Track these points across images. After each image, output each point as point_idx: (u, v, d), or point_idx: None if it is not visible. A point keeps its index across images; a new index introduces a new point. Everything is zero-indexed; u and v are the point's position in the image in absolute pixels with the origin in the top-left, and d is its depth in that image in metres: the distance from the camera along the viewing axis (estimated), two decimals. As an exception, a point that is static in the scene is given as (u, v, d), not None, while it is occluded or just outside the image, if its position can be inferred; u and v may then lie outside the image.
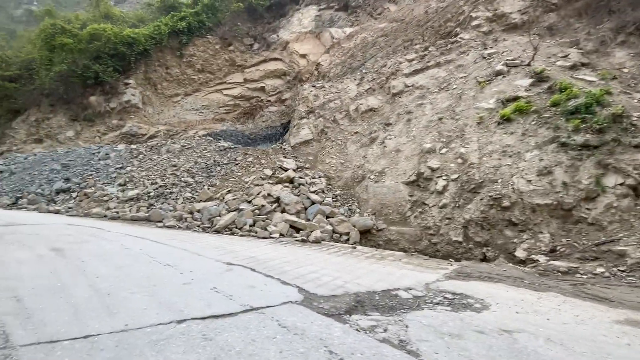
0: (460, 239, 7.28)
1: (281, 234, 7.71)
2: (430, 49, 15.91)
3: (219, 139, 17.12)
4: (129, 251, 5.03)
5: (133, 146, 17.09)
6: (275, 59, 28.44)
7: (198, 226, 8.41)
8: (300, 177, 11.09)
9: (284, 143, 22.21)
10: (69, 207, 12.26)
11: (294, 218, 8.35)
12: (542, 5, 14.49)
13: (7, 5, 53.41)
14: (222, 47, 28.65)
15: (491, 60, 12.64)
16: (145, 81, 26.09)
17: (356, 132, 13.49)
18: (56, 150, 18.36)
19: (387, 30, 21.85)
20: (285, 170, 12.16)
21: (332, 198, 9.87)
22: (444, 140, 9.92)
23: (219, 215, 8.61)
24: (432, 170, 8.93)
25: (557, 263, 5.29)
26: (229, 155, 14.68)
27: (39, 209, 11.99)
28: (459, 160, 8.77)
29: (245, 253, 5.26)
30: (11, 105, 22.06)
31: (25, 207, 12.59)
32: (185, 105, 28.27)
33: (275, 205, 9.36)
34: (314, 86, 17.44)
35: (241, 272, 4.10)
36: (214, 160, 14.15)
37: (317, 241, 6.95)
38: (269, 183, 11.27)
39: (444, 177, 8.50)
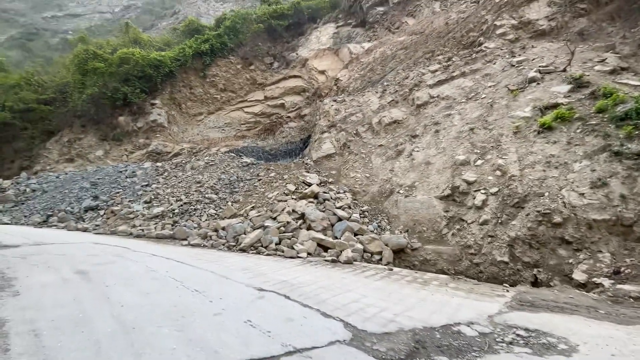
0: (506, 259, 6.60)
1: (309, 253, 7.27)
2: (454, 59, 15.48)
3: (241, 155, 17.06)
4: (155, 274, 4.72)
5: (159, 164, 17.30)
6: (295, 76, 28.73)
7: (223, 244, 8.09)
8: (325, 192, 10.69)
9: (305, 157, 22.01)
10: (96, 225, 12.32)
11: (321, 236, 7.90)
12: (570, 10, 13.85)
13: (44, 34, 57.23)
14: (244, 67, 29.28)
15: (521, 67, 12.05)
16: (171, 101, 26.82)
17: (380, 145, 13.04)
18: (86, 169, 18.86)
19: (406, 43, 21.61)
20: (309, 185, 11.81)
21: (360, 214, 9.38)
22: (478, 151, 9.32)
23: (244, 233, 8.28)
24: (469, 183, 8.32)
25: (626, 287, 4.57)
26: (251, 171, 14.52)
27: (67, 227, 12.10)
28: (498, 173, 8.13)
29: (275, 276, 4.85)
30: (46, 127, 23.06)
31: (55, 225, 12.75)
32: (208, 124, 28.81)
33: (300, 221, 8.96)
34: (334, 100, 17.23)
35: (275, 300, 3.68)
36: (237, 176, 14.01)
37: (348, 262, 6.45)
38: (292, 198, 10.93)
39: (483, 191, 7.88)
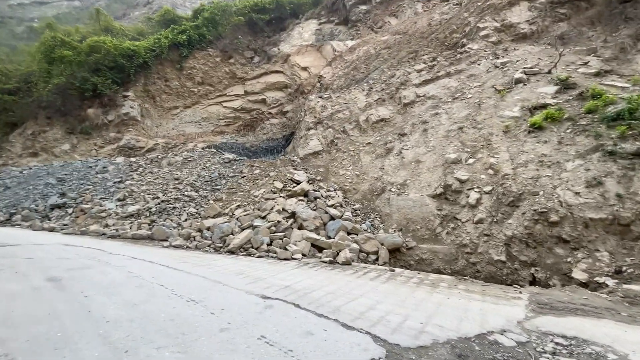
0: (503, 258, 6.53)
1: (303, 254, 6.88)
2: (438, 59, 15.56)
3: (222, 151, 16.31)
4: (140, 281, 4.16)
5: (132, 159, 16.19)
6: (277, 72, 28.01)
7: (209, 246, 7.52)
8: (314, 190, 10.32)
9: (287, 155, 21.52)
10: (64, 225, 11.26)
11: (314, 235, 7.53)
12: (550, 15, 14.23)
13: (9, 22, 52.95)
14: (223, 60, 28.20)
15: (506, 69, 12.23)
16: (144, 93, 25.36)
17: (368, 143, 12.84)
18: (52, 163, 17.36)
19: (390, 43, 21.58)
20: (297, 182, 11.39)
21: (352, 212, 9.09)
22: (469, 150, 9.29)
23: (232, 234, 7.75)
24: (461, 182, 8.24)
25: (634, 287, 4.56)
26: (234, 167, 13.88)
27: (32, 226, 10.97)
28: (490, 171, 8.10)
29: (274, 281, 4.43)
30: (8, 119, 21.08)
31: (19, 224, 11.54)
32: (184, 118, 27.52)
33: (291, 221, 8.54)
34: (320, 97, 16.88)
35: (284, 309, 3.28)
36: (219, 173, 13.33)
37: (347, 263, 6.13)
38: (281, 196, 10.47)
39: (476, 190, 7.81)
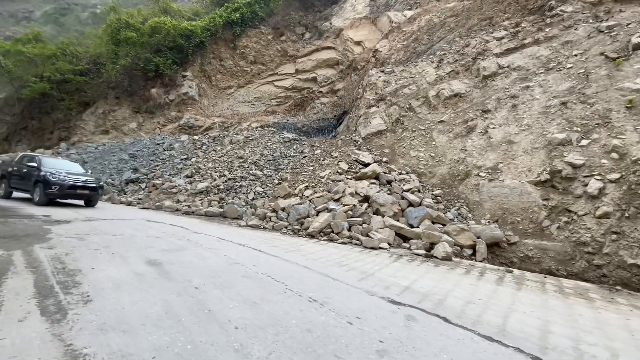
0: (639, 262, 5.29)
1: (389, 244, 6.18)
2: (522, 25, 13.42)
3: (282, 131, 15.89)
4: (243, 269, 3.73)
5: (195, 137, 16.40)
6: (328, 48, 26.75)
7: (286, 227, 7.10)
8: (385, 173, 9.46)
9: (338, 135, 20.68)
10: (139, 199, 11.64)
11: (398, 223, 6.76)
12: None
13: (75, 9, 56.68)
14: (275, 38, 27.50)
15: (615, 33, 10.10)
16: (201, 73, 25.66)
17: (441, 121, 11.55)
18: (123, 140, 18.25)
19: (457, 10, 19.28)
20: (363, 164, 10.60)
21: (432, 199, 8.13)
22: (579, 129, 7.77)
23: (308, 216, 7.25)
24: (574, 167, 6.89)
25: None
26: (294, 147, 13.39)
27: (111, 200, 11.48)
28: (614, 155, 6.64)
29: (385, 277, 3.77)
30: (81, 98, 22.50)
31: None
32: (237, 98, 27.62)
33: (365, 205, 7.82)
34: (382, 71, 15.59)
35: (433, 325, 2.59)
36: (280, 153, 12.92)
37: (447, 258, 5.31)
38: (348, 178, 9.78)
39: (597, 177, 6.45)
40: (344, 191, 8.33)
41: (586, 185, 6.49)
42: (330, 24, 27.20)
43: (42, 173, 8.66)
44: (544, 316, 2.90)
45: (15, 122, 23.98)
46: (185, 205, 10.04)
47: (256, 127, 21.34)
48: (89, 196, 9.49)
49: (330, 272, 3.84)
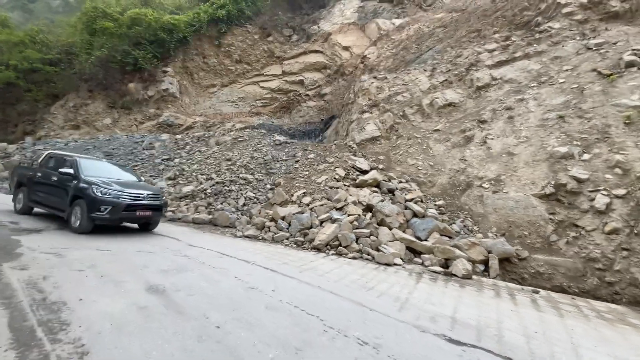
0: (655, 278, 5.22)
1: (401, 259, 5.80)
2: (512, 39, 13.66)
3: (272, 133, 15.26)
4: (264, 297, 3.17)
5: (178, 136, 15.40)
6: (316, 51, 26.37)
7: (287, 239, 6.55)
8: (385, 181, 9.14)
9: (324, 139, 20.30)
10: (116, 202, 10.60)
11: (408, 236, 6.41)
12: None
13: (46, -5, 52.92)
14: (261, 38, 26.77)
15: (604, 50, 10.40)
16: (183, 70, 24.46)
17: (436, 130, 11.44)
18: (97, 137, 16.83)
19: (446, 21, 19.57)
20: (361, 171, 10.24)
21: (436, 209, 7.88)
22: (579, 143, 7.81)
23: (311, 227, 6.74)
24: (579, 181, 6.85)
25: None
26: (286, 150, 12.83)
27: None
28: (618, 171, 6.66)
29: (422, 304, 3.36)
30: (50, 90, 20.67)
31: (69, 200, 10.97)
32: (221, 97, 26.57)
33: (369, 215, 7.44)
34: (374, 77, 15.40)
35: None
36: (272, 156, 12.31)
37: (468, 276, 5.00)
38: (345, 185, 9.37)
39: (604, 192, 6.42)
40: (345, 199, 7.89)
41: (592, 200, 6.44)
42: (319, 27, 26.87)
43: (84, 185, 5.78)
44: (615, 353, 2.60)
45: (-27, 113, 21.65)
46: (170, 211, 9.20)
47: (240, 128, 20.54)
48: (151, 218, 6.38)
49: (360, 298, 3.37)
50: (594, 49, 10.75)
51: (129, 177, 7.15)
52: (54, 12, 47.45)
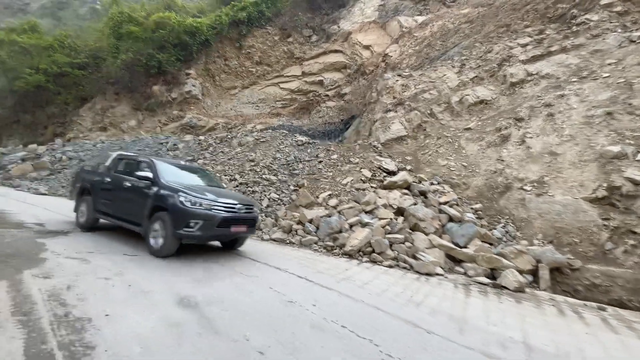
0: None
1: (441, 267, 5.31)
2: (547, 32, 12.78)
3: (294, 134, 14.97)
4: (305, 314, 2.80)
5: (201, 137, 15.37)
6: (336, 51, 25.98)
7: (316, 243, 6.18)
8: (416, 182, 8.62)
9: (346, 140, 19.83)
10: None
11: (447, 243, 5.90)
12: None
13: (73, 3, 55.08)
14: (281, 39, 26.65)
15: (652, 42, 9.49)
16: (205, 72, 24.64)
17: (468, 128, 10.80)
18: (123, 138, 17.08)
19: (472, 17, 18.73)
20: (389, 172, 9.76)
21: (473, 213, 7.31)
22: (632, 142, 7.05)
23: (341, 231, 6.34)
24: (636, 184, 6.14)
25: None
26: (309, 151, 12.48)
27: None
28: (685, 171, 5.92)
29: (484, 325, 2.91)
30: (79, 93, 21.25)
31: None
32: (242, 99, 26.63)
33: (401, 219, 6.96)
34: (399, 75, 14.84)
35: None
36: (294, 157, 12.00)
37: (520, 289, 4.46)
38: (372, 187, 8.92)
39: (668, 195, 5.70)
40: (375, 202, 7.45)
41: (655, 205, 5.73)
42: (338, 27, 26.46)
43: (167, 192, 4.57)
44: None
45: (7, 116, 22.55)
46: (194, 212, 9.04)
47: (261, 129, 20.41)
48: (243, 234, 5.08)
49: (411, 316, 2.95)
50: (637, 41, 9.87)
51: (211, 182, 5.87)
52: (81, 19, 49.32)
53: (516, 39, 13.40)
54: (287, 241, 6.37)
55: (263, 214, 8.72)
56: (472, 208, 7.57)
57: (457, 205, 7.56)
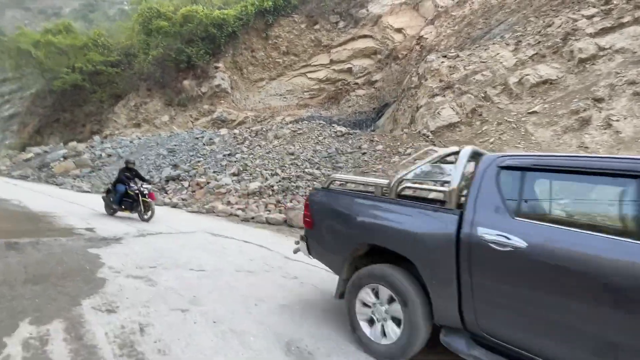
0: None
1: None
2: (614, 1, 11.00)
3: (332, 124, 14.09)
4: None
5: (235, 131, 14.80)
6: (365, 36, 24.58)
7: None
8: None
9: (377, 129, 18.65)
10: (183, 199, 10.12)
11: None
12: None
13: (102, 5, 56.08)
14: (308, 27, 25.51)
15: None
16: (233, 65, 24.04)
17: (533, 112, 9.48)
18: (159, 134, 16.83)
19: (518, -10, 16.88)
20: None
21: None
22: None
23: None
24: None
25: None
26: (350, 142, 11.57)
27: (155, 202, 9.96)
28: None
29: None
30: (113, 90, 21.28)
31: (138, 197, 10.67)
32: (269, 91, 25.92)
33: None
34: (444, 56, 13.49)
35: None
36: (335, 149, 11.13)
37: None
38: (431, 179, 7.92)
39: None
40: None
41: None
42: (367, 10, 24.93)
43: None
44: None
45: (47, 115, 23.04)
46: (239, 209, 8.42)
47: (291, 121, 19.64)
48: None
49: None
50: None
51: None
52: (111, 20, 50.13)
53: (579, 10, 11.70)
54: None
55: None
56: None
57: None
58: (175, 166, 12.15)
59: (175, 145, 13.76)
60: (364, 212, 2.27)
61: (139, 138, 16.05)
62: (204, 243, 4.77)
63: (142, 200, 6.35)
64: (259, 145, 12.51)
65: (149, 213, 6.37)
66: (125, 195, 6.51)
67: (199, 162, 12.05)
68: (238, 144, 13.07)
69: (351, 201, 2.41)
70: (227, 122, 21.50)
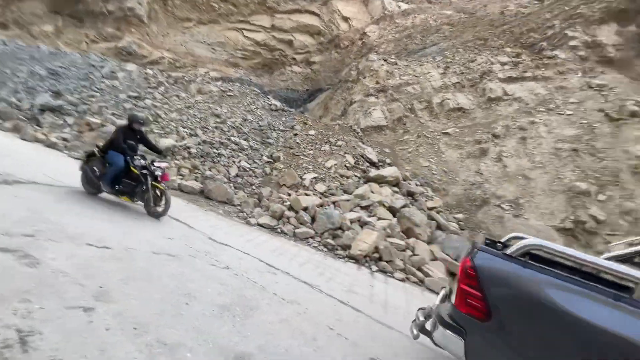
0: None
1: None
2: (523, 57, 13.40)
3: (267, 96, 13.18)
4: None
5: (148, 71, 12.36)
6: (312, 13, 23.76)
7: (313, 238, 5.30)
8: (405, 181, 8.25)
9: (306, 112, 18.69)
10: (64, 139, 7.99)
11: (447, 257, 5.66)
12: (636, 47, 12.59)
13: None
14: (255, -21, 23.17)
15: (605, 93, 10.61)
16: (156, -10, 20.08)
17: (446, 133, 10.83)
18: (37, 45, 12.72)
19: (453, 20, 18.80)
20: (371, 162, 9.20)
21: (456, 223, 7.28)
22: (593, 182, 7.77)
23: (341, 227, 5.55)
24: (598, 222, 6.77)
25: None
26: (283, 119, 11.09)
27: (21, 132, 7.53)
28: (628, 218, 6.70)
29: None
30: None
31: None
32: (196, 36, 22.72)
33: (394, 220, 6.51)
34: (385, 60, 14.10)
35: None
36: (268, 123, 10.52)
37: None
38: (356, 175, 8.31)
39: (619, 238, 6.39)
40: (369, 197, 6.83)
41: (608, 243, 6.38)
42: (320, -13, 24.06)
43: None
44: None
45: None
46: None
47: (215, 78, 17.71)
48: None
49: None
50: (595, 88, 10.87)
51: None
52: None
53: (497, 55, 13.74)
54: (278, 230, 5.33)
55: (231, 184, 7.37)
56: (455, 217, 7.54)
57: (442, 212, 7.45)
58: (57, 94, 9.48)
59: (60, 67, 10.68)
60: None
61: (4, 43, 11.86)
62: (101, 208, 3.81)
63: (153, 185, 4.06)
64: (177, 96, 10.83)
65: (163, 205, 4.14)
66: (125, 174, 4.05)
67: (92, 96, 9.69)
68: (150, 87, 11.03)
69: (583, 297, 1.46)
70: (136, 57, 17.93)
